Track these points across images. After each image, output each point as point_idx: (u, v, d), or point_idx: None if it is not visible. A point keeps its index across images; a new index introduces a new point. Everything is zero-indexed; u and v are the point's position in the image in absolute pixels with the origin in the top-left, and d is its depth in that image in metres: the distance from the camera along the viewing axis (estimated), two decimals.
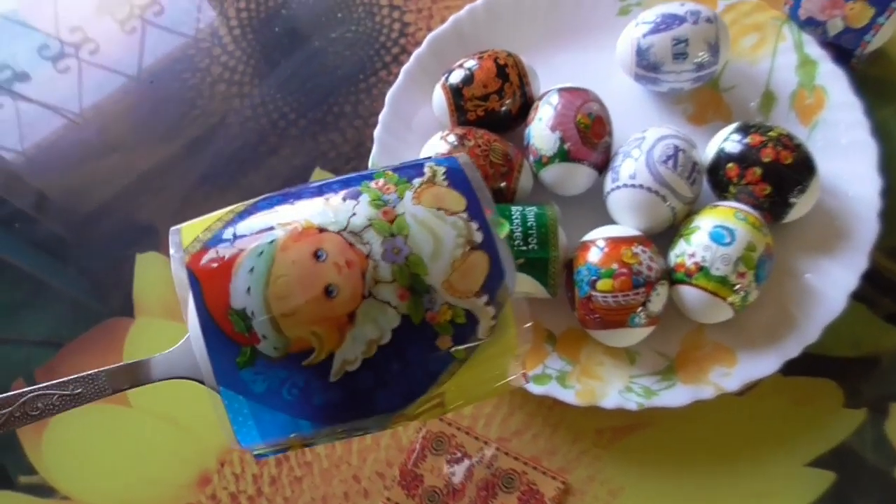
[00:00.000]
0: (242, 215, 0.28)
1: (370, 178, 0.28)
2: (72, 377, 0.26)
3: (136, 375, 0.27)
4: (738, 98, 0.50)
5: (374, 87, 0.55)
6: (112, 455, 0.46)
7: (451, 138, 0.45)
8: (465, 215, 0.27)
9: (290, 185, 0.52)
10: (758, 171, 0.43)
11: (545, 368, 0.43)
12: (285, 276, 0.26)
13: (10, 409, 0.26)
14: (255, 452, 0.27)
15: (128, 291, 0.50)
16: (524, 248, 0.42)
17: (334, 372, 0.26)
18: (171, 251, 0.27)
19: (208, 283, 0.26)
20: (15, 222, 0.54)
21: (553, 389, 0.42)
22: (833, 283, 0.43)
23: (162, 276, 0.50)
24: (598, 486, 0.43)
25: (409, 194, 0.27)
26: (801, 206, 0.43)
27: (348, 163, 0.53)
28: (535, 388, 0.42)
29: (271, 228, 0.27)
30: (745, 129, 0.44)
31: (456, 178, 0.28)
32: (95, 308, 0.50)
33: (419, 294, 0.26)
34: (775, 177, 0.42)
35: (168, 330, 0.49)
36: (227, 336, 0.25)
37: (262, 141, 0.54)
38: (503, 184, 0.45)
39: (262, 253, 0.26)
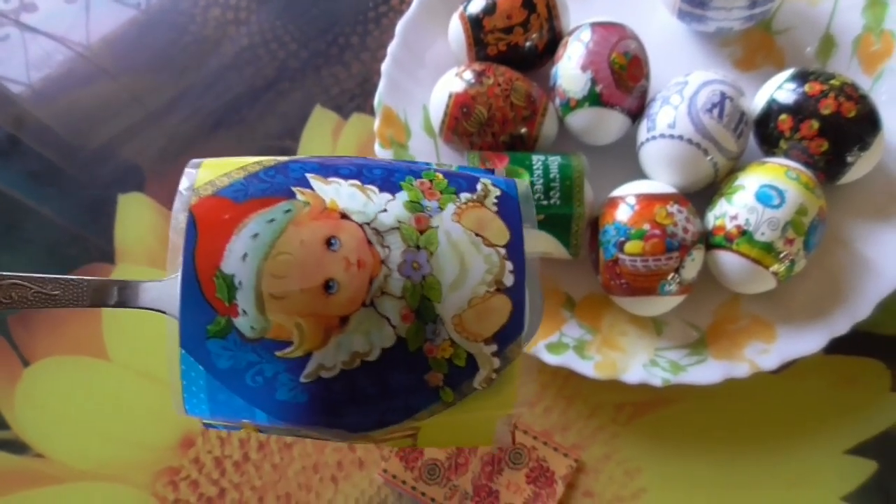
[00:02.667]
0: (268, 171, 0.25)
1: (417, 174, 0.25)
2: (53, 276, 0.24)
3: (122, 295, 0.24)
4: (793, 42, 0.44)
5: (385, 16, 0.50)
6: (89, 412, 0.42)
7: (468, 75, 0.40)
8: (503, 251, 0.24)
9: (287, 121, 0.48)
10: (815, 124, 0.38)
11: (562, 336, 0.39)
12: (288, 254, 0.23)
13: None
14: (204, 422, 0.25)
15: (108, 235, 0.46)
16: (545, 202, 0.38)
17: (307, 373, 0.23)
18: (181, 186, 0.24)
19: (206, 235, 0.23)
20: None
21: (570, 360, 0.38)
22: (890, 253, 0.39)
23: (146, 219, 0.46)
24: (614, 466, 0.39)
25: (451, 207, 0.25)
26: (861, 167, 0.38)
27: (352, 100, 0.48)
28: (550, 359, 0.38)
29: (292, 196, 0.24)
30: (802, 77, 0.39)
31: (508, 206, 0.25)
32: (73, 252, 0.46)
33: (424, 321, 0.23)
34: (835, 132, 0.37)
35: (151, 278, 0.45)
36: (206, 299, 0.23)
37: (258, 73, 0.49)
38: (524, 129, 0.40)
39: (272, 220, 0.23)
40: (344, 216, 0.24)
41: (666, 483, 0.39)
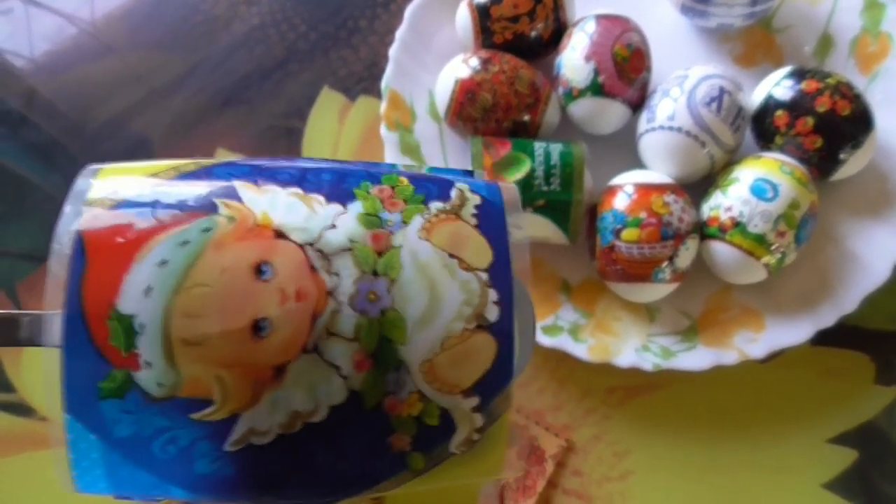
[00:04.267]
0: (186, 177, 0.20)
1: (376, 178, 0.20)
2: None
3: (28, 329, 0.20)
4: (792, 40, 0.45)
5: (394, 1, 0.50)
6: None
7: (474, 62, 0.41)
8: (485, 276, 0.19)
9: (294, 102, 0.49)
10: (810, 120, 0.39)
11: (557, 319, 0.40)
12: (206, 286, 0.18)
13: None
14: (115, 496, 0.20)
15: None
16: (545, 188, 0.38)
17: (233, 440, 0.18)
18: (69, 200, 0.19)
19: (97, 263, 0.18)
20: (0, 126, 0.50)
21: (564, 342, 0.39)
22: (878, 250, 0.40)
23: None
24: (604, 448, 0.40)
25: (418, 220, 0.19)
26: (853, 164, 0.39)
27: (359, 83, 0.48)
28: (545, 340, 0.39)
29: (213, 209, 0.19)
30: (799, 74, 0.40)
31: (491, 217, 0.20)
32: None
33: (384, 368, 0.19)
34: (829, 129, 0.38)
35: None
36: (97, 347, 0.18)
37: (267, 53, 0.50)
38: (527, 116, 0.41)
39: (185, 242, 0.18)
40: (279, 234, 0.19)
41: (653, 465, 0.40)
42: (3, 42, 0.52)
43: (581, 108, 0.41)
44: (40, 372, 0.43)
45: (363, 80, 0.49)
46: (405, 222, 0.19)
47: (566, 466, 0.40)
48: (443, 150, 0.44)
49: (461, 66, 0.41)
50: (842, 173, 0.40)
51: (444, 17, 0.46)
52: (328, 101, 0.48)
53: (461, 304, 0.19)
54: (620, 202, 0.38)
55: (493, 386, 0.20)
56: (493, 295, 0.19)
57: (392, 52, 0.45)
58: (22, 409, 0.43)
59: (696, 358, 0.38)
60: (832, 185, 0.41)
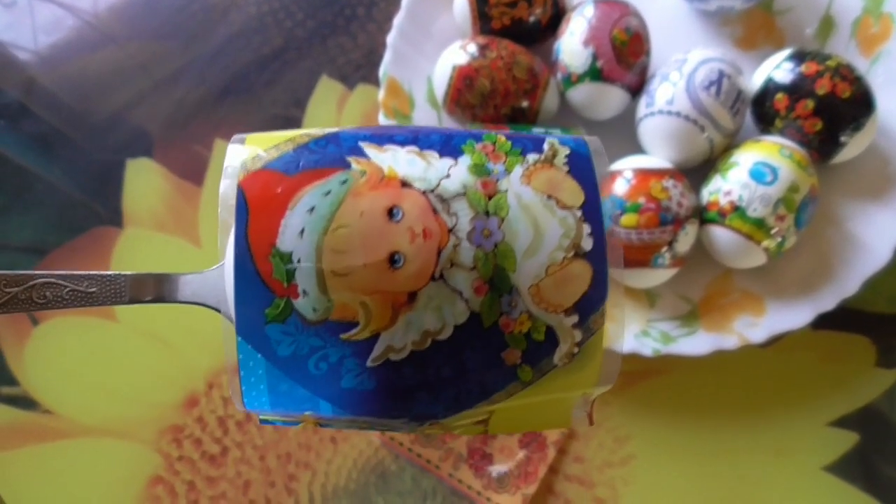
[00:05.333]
0: (318, 141, 0.23)
1: (478, 137, 0.23)
2: (89, 273, 0.23)
3: (161, 289, 0.23)
4: (793, 22, 0.45)
5: None
6: (97, 371, 0.44)
7: (472, 48, 0.41)
8: (579, 213, 0.22)
9: (293, 91, 0.49)
10: (810, 103, 0.38)
11: None
12: (348, 227, 0.21)
13: (17, 289, 0.22)
14: (261, 417, 0.23)
15: (116, 199, 0.47)
16: None
17: (375, 356, 0.21)
18: (227, 161, 0.22)
19: (258, 212, 0.22)
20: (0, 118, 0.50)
21: None
22: (879, 232, 0.39)
23: (153, 184, 0.47)
24: (605, 433, 0.40)
25: (518, 169, 0.23)
26: (853, 147, 0.39)
27: (358, 70, 0.48)
28: None
29: (347, 166, 0.22)
30: (799, 57, 0.39)
31: (580, 165, 0.23)
32: (82, 215, 0.47)
33: (499, 292, 0.21)
34: (829, 111, 0.38)
35: (158, 243, 0.46)
36: (263, 280, 0.21)
37: (265, 42, 0.50)
38: (526, 102, 0.41)
39: (328, 192, 0.22)
40: (405, 184, 0.22)
41: (654, 450, 0.40)
42: (6, 33, 0.52)
43: (580, 94, 0.41)
44: (43, 367, 0.44)
45: (361, 67, 0.49)
46: (508, 171, 0.23)
47: (567, 453, 0.40)
48: None
49: (458, 52, 0.41)
50: (842, 156, 0.39)
51: (442, 4, 0.45)
52: (326, 90, 0.48)
53: (561, 237, 0.22)
54: (619, 187, 0.38)
55: (590, 305, 0.22)
56: (586, 228, 0.22)
57: (390, 39, 0.45)
58: (25, 403, 0.43)
59: (697, 343, 0.38)
60: (833, 167, 0.41)
